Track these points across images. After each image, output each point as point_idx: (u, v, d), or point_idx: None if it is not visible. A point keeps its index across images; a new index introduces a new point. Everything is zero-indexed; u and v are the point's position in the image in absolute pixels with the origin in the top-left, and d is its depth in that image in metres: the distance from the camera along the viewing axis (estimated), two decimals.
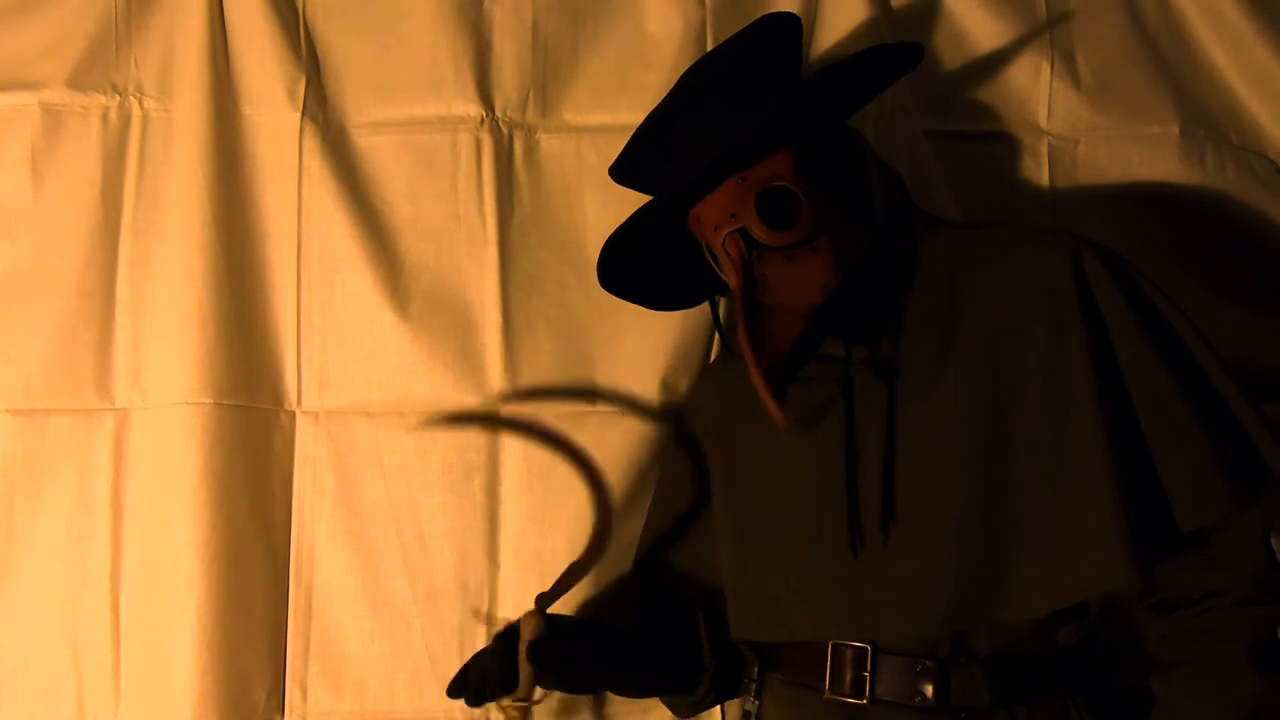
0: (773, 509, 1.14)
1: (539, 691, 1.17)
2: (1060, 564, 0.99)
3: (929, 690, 1.04)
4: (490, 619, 1.34)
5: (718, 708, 1.41)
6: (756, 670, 1.22)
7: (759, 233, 1.06)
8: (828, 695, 1.08)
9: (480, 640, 1.37)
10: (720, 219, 1.09)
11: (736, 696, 1.33)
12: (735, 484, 1.20)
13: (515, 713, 1.16)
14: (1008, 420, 1.03)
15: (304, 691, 1.36)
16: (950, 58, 1.41)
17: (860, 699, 1.06)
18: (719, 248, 1.10)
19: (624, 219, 1.38)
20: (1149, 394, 1.00)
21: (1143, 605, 1.05)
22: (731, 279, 1.09)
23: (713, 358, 1.40)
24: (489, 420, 1.32)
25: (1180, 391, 0.99)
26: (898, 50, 1.13)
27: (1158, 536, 0.98)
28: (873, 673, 1.06)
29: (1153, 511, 0.98)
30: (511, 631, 1.17)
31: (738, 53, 1.13)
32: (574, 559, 1.23)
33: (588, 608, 1.33)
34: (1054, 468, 1.00)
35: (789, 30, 1.15)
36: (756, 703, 1.22)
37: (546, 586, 1.21)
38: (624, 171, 1.25)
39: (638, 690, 1.31)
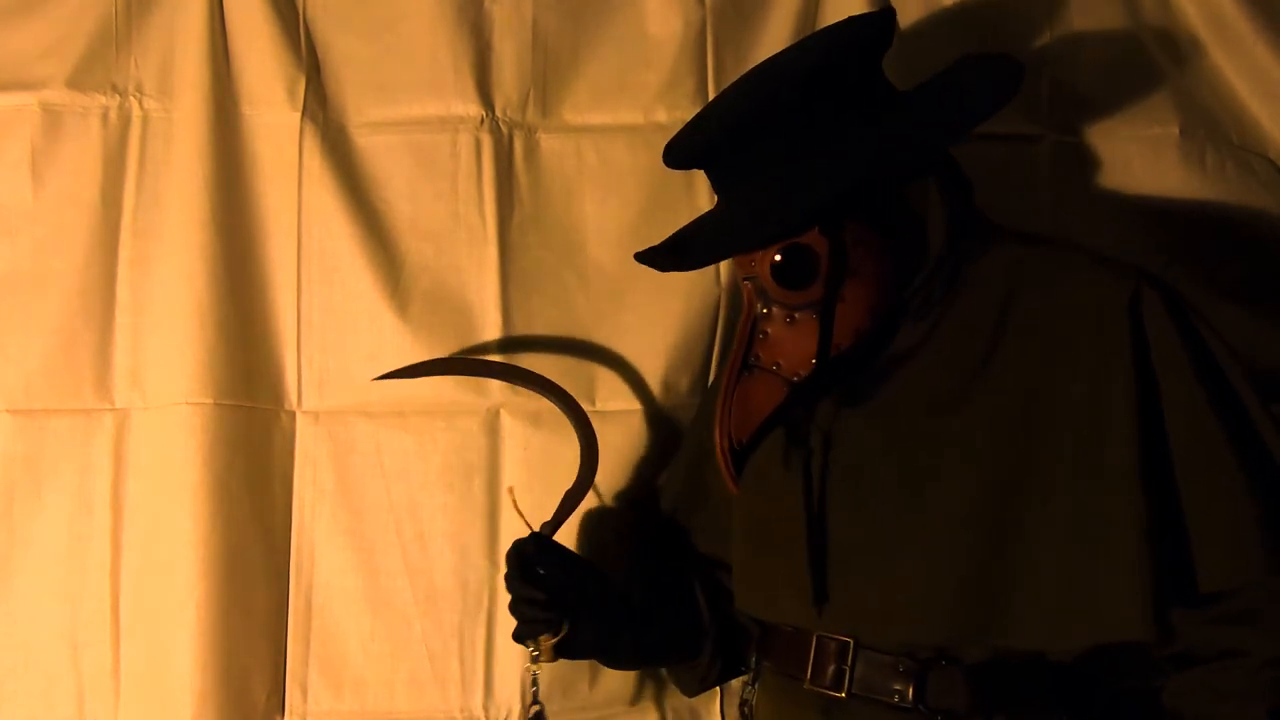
0: (781, 496, 1.14)
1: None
2: (1074, 603, 0.97)
3: (906, 689, 1.03)
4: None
5: (717, 699, 1.42)
6: (755, 659, 1.22)
7: (770, 288, 1.06)
8: (807, 686, 1.08)
9: (480, 641, 1.37)
10: (743, 260, 1.10)
11: (740, 675, 1.33)
12: (763, 470, 1.18)
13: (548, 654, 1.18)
14: (1036, 448, 1.00)
15: (304, 691, 1.36)
16: (949, 58, 1.41)
17: (838, 692, 1.06)
18: (740, 280, 1.11)
19: (623, 219, 1.40)
20: (1195, 445, 0.97)
21: (1159, 652, 1.02)
22: (738, 330, 1.10)
23: (715, 352, 1.41)
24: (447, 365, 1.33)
25: (1230, 447, 0.96)
26: (995, 86, 1.08)
27: (1177, 586, 0.96)
28: (851, 667, 1.06)
29: (1174, 561, 0.96)
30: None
31: (821, 76, 1.05)
32: (569, 491, 1.26)
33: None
34: (1080, 505, 0.98)
35: (879, 40, 1.11)
36: (754, 691, 1.22)
37: None
38: (676, 163, 1.21)
39: (639, 648, 1.27)
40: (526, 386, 1.32)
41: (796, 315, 1.06)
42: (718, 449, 1.07)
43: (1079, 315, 1.01)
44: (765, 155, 1.07)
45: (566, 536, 1.37)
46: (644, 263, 1.18)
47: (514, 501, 1.26)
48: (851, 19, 1.15)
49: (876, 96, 1.09)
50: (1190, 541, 0.96)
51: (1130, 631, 0.95)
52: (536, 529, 1.22)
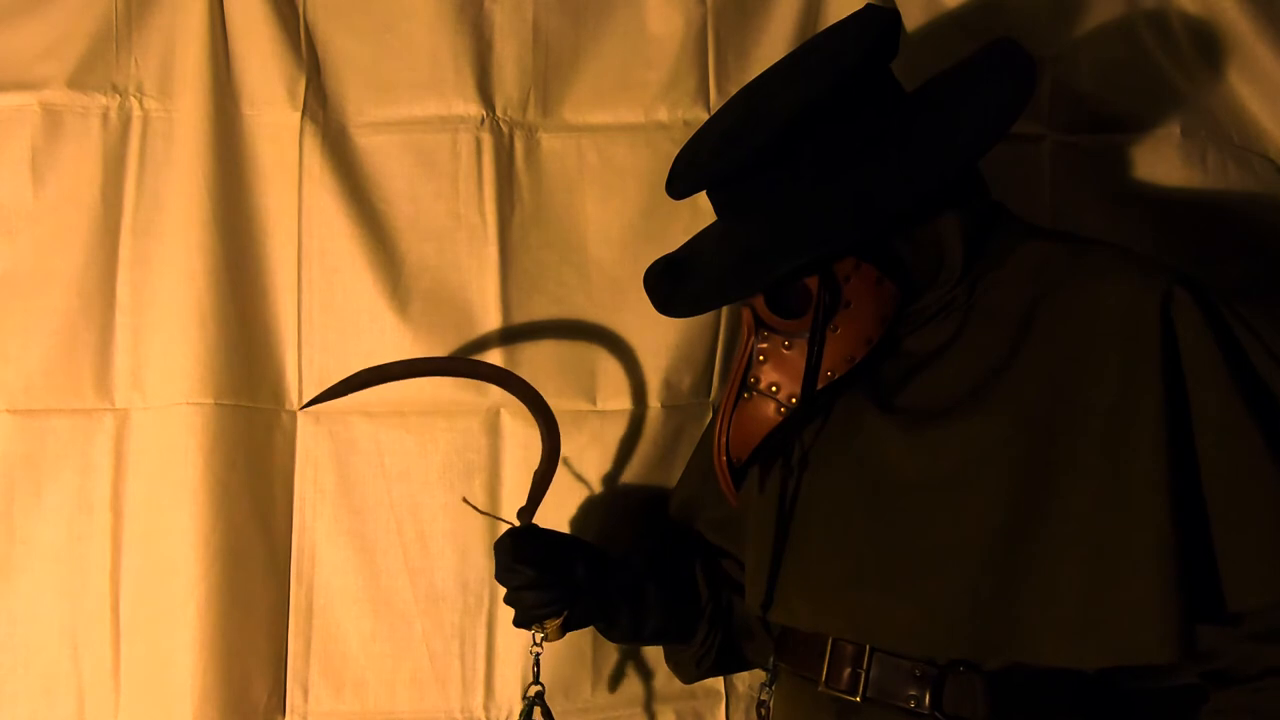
0: (804, 503, 1.14)
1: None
2: (1094, 623, 0.94)
3: (922, 695, 1.02)
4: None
5: (723, 703, 1.42)
6: (773, 660, 1.22)
7: (765, 315, 1.07)
8: (822, 689, 1.07)
9: (481, 641, 1.37)
10: None
11: (738, 670, 1.35)
12: (777, 469, 1.18)
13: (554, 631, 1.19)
14: (1059, 458, 0.98)
15: (305, 691, 1.36)
16: (951, 59, 1.41)
17: (853, 696, 1.05)
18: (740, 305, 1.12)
19: (624, 218, 1.40)
20: (1226, 455, 0.94)
21: (1193, 670, 0.99)
22: (738, 353, 1.11)
23: (718, 351, 1.41)
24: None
25: (1265, 456, 0.93)
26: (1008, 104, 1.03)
27: (1207, 602, 0.94)
28: (867, 671, 1.05)
29: (1204, 576, 0.94)
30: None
31: (819, 109, 1.03)
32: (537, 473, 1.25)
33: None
34: (1103, 519, 0.95)
35: (882, 51, 1.08)
36: (772, 692, 1.21)
37: None
38: (677, 196, 1.20)
39: (637, 616, 1.25)
40: (468, 376, 1.31)
41: (792, 341, 1.07)
42: (717, 466, 1.10)
43: (1106, 319, 0.98)
44: (764, 189, 1.06)
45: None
46: (647, 290, 1.18)
47: (473, 506, 1.28)
48: (854, 24, 1.12)
49: (880, 118, 1.06)
50: (1221, 556, 0.94)
51: (1152, 655, 0.93)
52: (514, 520, 1.22)
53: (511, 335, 1.38)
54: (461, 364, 1.32)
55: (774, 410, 1.08)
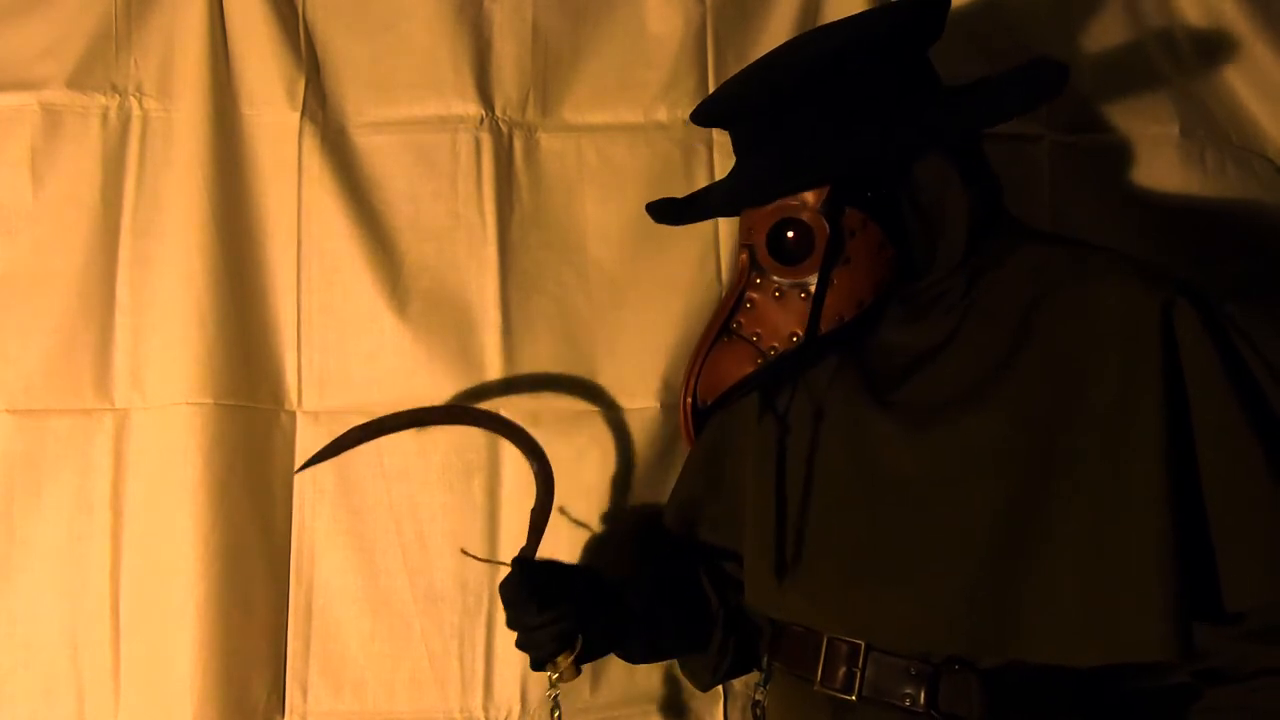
0: (801, 499, 1.13)
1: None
2: (1093, 620, 0.95)
3: (917, 694, 1.01)
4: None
5: (721, 702, 1.41)
6: (767, 660, 1.22)
7: (763, 260, 1.08)
8: (817, 688, 1.07)
9: (480, 641, 1.37)
10: (743, 228, 1.12)
11: (748, 672, 1.34)
12: (773, 460, 1.17)
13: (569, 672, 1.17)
14: (1057, 457, 0.98)
15: (304, 691, 1.37)
16: (949, 58, 1.41)
17: (849, 695, 1.05)
18: (739, 246, 1.13)
19: (623, 218, 1.40)
20: (1225, 458, 0.94)
21: (1188, 669, 0.99)
22: (725, 293, 1.11)
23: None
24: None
25: (1263, 460, 0.93)
26: (1033, 82, 1.07)
27: (1204, 601, 0.94)
28: (862, 670, 1.05)
29: (1201, 576, 0.94)
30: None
31: (857, 53, 1.06)
32: (534, 514, 1.22)
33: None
34: (1102, 518, 0.95)
35: (928, 26, 1.10)
36: (766, 691, 1.21)
37: None
38: (706, 119, 1.22)
39: (650, 640, 1.25)
40: (461, 424, 1.30)
41: (784, 291, 1.08)
42: (681, 403, 1.11)
43: (1107, 320, 0.99)
44: (789, 125, 1.07)
45: (568, 537, 1.37)
46: (652, 213, 1.19)
47: (471, 555, 1.29)
48: (907, 2, 1.13)
49: (915, 82, 1.09)
50: (1219, 556, 0.94)
51: (1150, 652, 0.93)
52: (512, 560, 1.19)
53: (511, 335, 1.38)
54: (451, 412, 1.31)
55: (750, 358, 1.09)
